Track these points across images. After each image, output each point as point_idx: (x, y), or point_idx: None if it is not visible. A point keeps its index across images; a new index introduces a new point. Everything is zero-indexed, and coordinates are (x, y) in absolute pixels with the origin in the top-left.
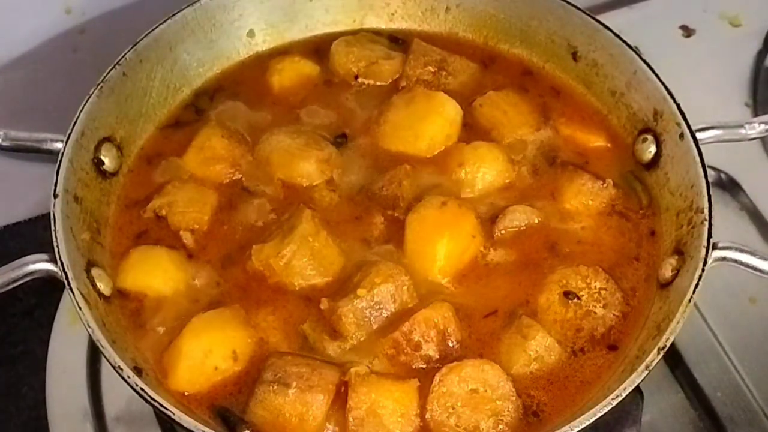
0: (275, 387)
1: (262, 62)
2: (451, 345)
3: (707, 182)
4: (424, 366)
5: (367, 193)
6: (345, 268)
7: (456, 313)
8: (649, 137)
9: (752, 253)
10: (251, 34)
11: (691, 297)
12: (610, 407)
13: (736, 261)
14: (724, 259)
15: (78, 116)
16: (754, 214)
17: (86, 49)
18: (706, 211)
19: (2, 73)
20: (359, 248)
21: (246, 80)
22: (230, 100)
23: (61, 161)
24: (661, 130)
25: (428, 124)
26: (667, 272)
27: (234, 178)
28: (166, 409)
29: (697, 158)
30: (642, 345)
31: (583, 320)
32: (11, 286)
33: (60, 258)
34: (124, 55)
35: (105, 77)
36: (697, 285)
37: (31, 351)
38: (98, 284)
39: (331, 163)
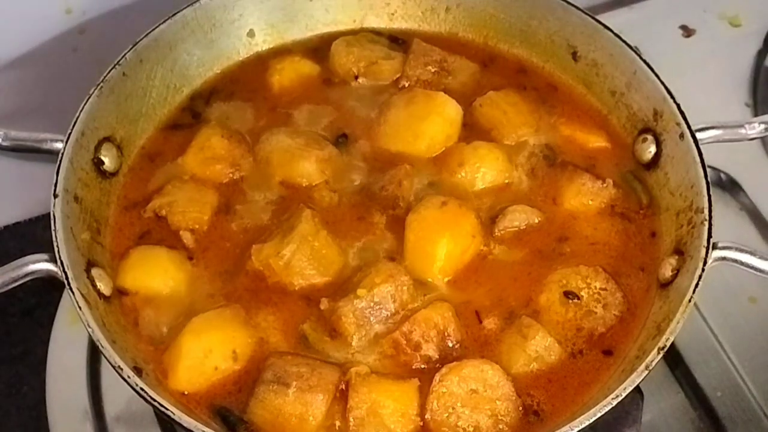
0: (275, 387)
1: (262, 62)
2: (451, 345)
3: (707, 182)
4: (424, 366)
5: (367, 193)
6: (345, 268)
7: (456, 313)
8: (649, 137)
9: (752, 253)
10: (251, 34)
11: (691, 297)
12: (610, 407)
13: (736, 261)
14: (724, 259)
15: (78, 116)
16: (754, 214)
17: (86, 49)
18: (706, 211)
19: (2, 73)
20: (359, 248)
21: (246, 80)
22: (230, 100)
23: (61, 161)
24: (661, 130)
25: (428, 124)
26: (667, 272)
27: (234, 178)
28: (166, 409)
29: (697, 158)
30: (642, 345)
31: (584, 320)
32: (11, 286)
33: (60, 258)
34: (124, 55)
35: (105, 77)
36: (697, 285)
37: (31, 351)
38: (98, 284)
39: (331, 162)
